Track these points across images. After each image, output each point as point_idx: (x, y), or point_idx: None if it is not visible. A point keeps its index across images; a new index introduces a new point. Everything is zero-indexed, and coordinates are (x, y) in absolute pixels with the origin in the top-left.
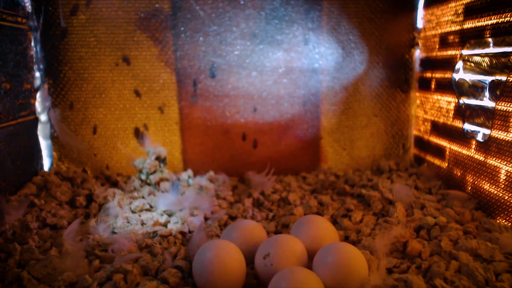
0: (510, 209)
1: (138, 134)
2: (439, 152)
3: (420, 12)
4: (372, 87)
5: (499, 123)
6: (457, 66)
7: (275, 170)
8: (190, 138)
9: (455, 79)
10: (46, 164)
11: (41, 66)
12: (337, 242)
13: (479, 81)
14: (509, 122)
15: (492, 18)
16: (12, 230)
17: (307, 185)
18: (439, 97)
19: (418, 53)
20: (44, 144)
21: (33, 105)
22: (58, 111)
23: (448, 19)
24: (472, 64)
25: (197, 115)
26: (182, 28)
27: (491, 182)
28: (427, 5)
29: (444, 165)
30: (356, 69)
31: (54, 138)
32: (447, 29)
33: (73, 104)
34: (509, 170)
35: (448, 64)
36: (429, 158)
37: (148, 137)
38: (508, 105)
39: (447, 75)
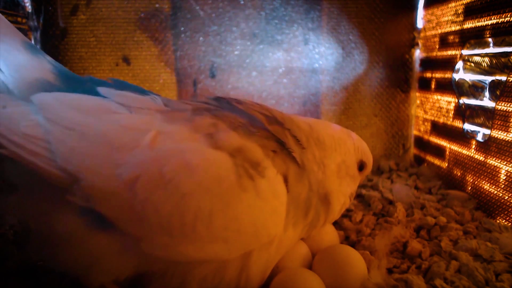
0: (510, 209)
1: None
2: (439, 152)
3: (420, 12)
4: (372, 87)
5: (499, 123)
6: (457, 66)
7: None
8: None
9: (455, 79)
10: None
11: None
12: (337, 245)
13: (479, 81)
14: (509, 122)
15: (492, 18)
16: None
17: None
18: (439, 97)
19: (418, 53)
20: None
21: None
22: None
23: (448, 19)
24: (472, 64)
25: None
26: (182, 28)
27: (491, 182)
28: (427, 5)
29: (444, 165)
30: (356, 69)
31: None
32: (447, 29)
33: None
34: (509, 170)
35: (448, 64)
36: (429, 158)
37: None
38: (508, 105)
39: (447, 75)
